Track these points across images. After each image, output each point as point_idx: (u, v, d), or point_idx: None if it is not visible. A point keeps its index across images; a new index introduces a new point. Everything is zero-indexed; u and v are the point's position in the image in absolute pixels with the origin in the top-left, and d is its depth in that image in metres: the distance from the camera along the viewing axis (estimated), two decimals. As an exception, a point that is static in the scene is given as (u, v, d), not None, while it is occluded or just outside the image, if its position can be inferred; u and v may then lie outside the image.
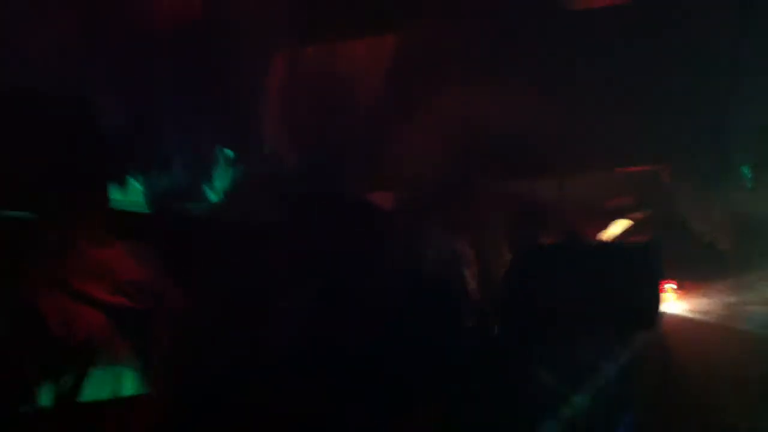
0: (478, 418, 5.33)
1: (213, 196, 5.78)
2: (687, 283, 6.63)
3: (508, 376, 5.67)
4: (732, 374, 6.13)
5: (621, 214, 6.65)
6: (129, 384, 4.74)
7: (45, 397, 4.42)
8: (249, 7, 5.90)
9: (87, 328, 4.79)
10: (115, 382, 4.71)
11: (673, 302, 6.57)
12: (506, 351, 5.79)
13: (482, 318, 6.00)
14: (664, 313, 6.27)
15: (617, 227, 6.61)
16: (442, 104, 6.23)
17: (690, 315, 6.60)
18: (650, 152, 6.52)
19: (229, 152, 5.86)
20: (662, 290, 6.29)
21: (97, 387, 4.64)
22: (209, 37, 5.74)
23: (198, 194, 5.68)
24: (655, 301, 6.16)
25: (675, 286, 6.58)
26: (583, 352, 5.88)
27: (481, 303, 6.00)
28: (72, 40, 5.19)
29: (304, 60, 6.28)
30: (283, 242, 5.51)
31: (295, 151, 6.02)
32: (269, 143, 5.97)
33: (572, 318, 5.85)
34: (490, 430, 5.30)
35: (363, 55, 6.35)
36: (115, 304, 4.93)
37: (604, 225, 6.62)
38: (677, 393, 6.03)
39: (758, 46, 6.19)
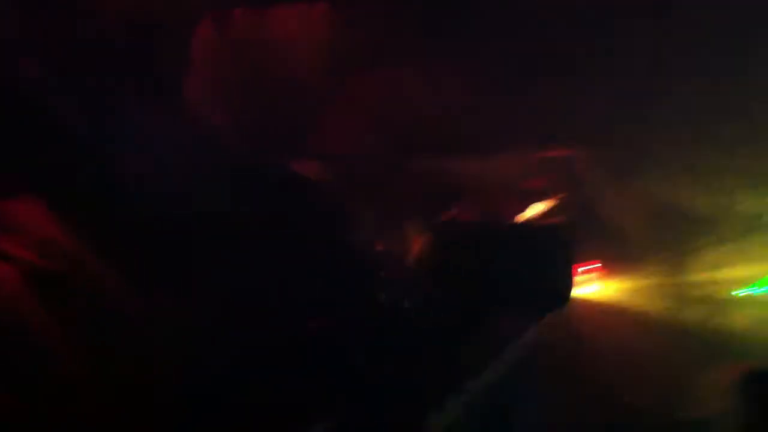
0: (389, 394, 5.39)
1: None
2: (598, 267, 6.76)
3: (418, 352, 5.73)
4: (635, 357, 6.29)
5: (536, 197, 6.73)
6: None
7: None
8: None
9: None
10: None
11: (584, 285, 6.69)
12: (417, 327, 5.85)
13: (398, 294, 6.03)
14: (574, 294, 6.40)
15: (532, 209, 6.70)
16: (364, 82, 6.25)
17: (599, 297, 6.74)
18: (565, 136, 6.63)
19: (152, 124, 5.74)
20: (574, 272, 6.43)
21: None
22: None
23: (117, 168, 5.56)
24: (567, 282, 6.28)
25: (586, 269, 6.69)
26: (494, 330, 5.98)
27: (399, 279, 6.04)
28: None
29: (231, 25, 6.20)
30: (209, 216, 5.49)
31: (220, 120, 5.95)
32: (195, 113, 5.88)
33: (485, 295, 5.94)
34: (401, 406, 5.36)
35: (293, 23, 6.30)
36: (29, 261, 4.89)
37: (519, 206, 6.71)
38: (579, 372, 6.15)
39: (679, 32, 6.32)
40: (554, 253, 6.23)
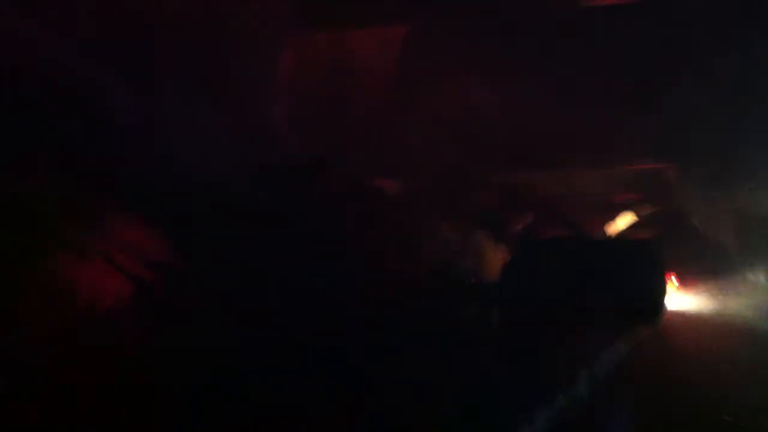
0: (473, 406, 5.38)
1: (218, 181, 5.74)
2: (690, 279, 6.70)
3: (506, 366, 5.72)
4: (731, 370, 6.17)
5: (626, 210, 6.70)
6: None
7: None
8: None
9: (115, 294, 4.93)
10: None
11: (675, 297, 6.63)
12: (505, 341, 5.84)
13: (484, 307, 6.02)
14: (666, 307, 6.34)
15: (622, 222, 6.67)
16: (449, 95, 6.28)
17: (691, 310, 6.67)
18: (656, 151, 6.60)
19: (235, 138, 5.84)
20: (667, 286, 6.38)
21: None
22: (218, 24, 5.77)
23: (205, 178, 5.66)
24: (659, 295, 6.24)
25: (677, 281, 6.64)
26: (584, 345, 5.94)
27: (483, 292, 6.03)
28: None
29: (311, 48, 6.30)
30: (289, 227, 5.56)
31: (300, 138, 6.03)
32: (275, 130, 5.98)
33: (574, 311, 5.92)
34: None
35: (370, 45, 6.39)
36: (139, 275, 5.06)
37: (609, 220, 6.69)
38: (673, 388, 6.05)
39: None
40: (645, 265, 6.20)
